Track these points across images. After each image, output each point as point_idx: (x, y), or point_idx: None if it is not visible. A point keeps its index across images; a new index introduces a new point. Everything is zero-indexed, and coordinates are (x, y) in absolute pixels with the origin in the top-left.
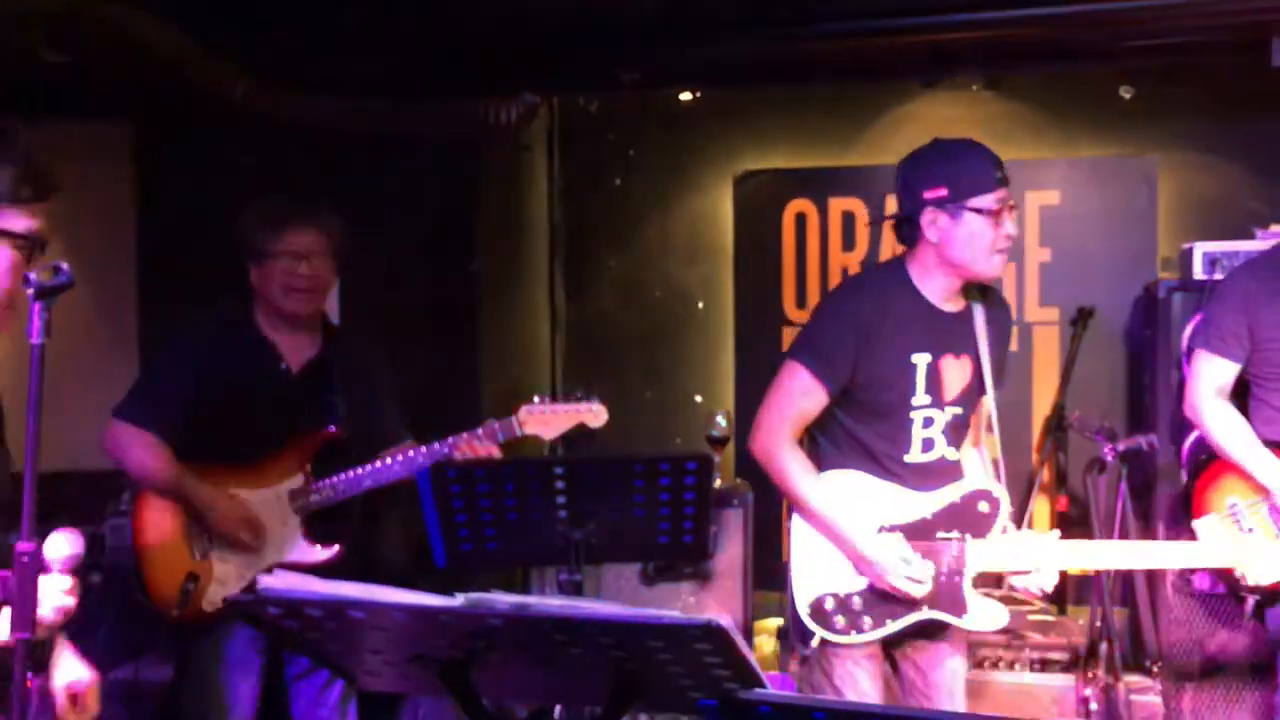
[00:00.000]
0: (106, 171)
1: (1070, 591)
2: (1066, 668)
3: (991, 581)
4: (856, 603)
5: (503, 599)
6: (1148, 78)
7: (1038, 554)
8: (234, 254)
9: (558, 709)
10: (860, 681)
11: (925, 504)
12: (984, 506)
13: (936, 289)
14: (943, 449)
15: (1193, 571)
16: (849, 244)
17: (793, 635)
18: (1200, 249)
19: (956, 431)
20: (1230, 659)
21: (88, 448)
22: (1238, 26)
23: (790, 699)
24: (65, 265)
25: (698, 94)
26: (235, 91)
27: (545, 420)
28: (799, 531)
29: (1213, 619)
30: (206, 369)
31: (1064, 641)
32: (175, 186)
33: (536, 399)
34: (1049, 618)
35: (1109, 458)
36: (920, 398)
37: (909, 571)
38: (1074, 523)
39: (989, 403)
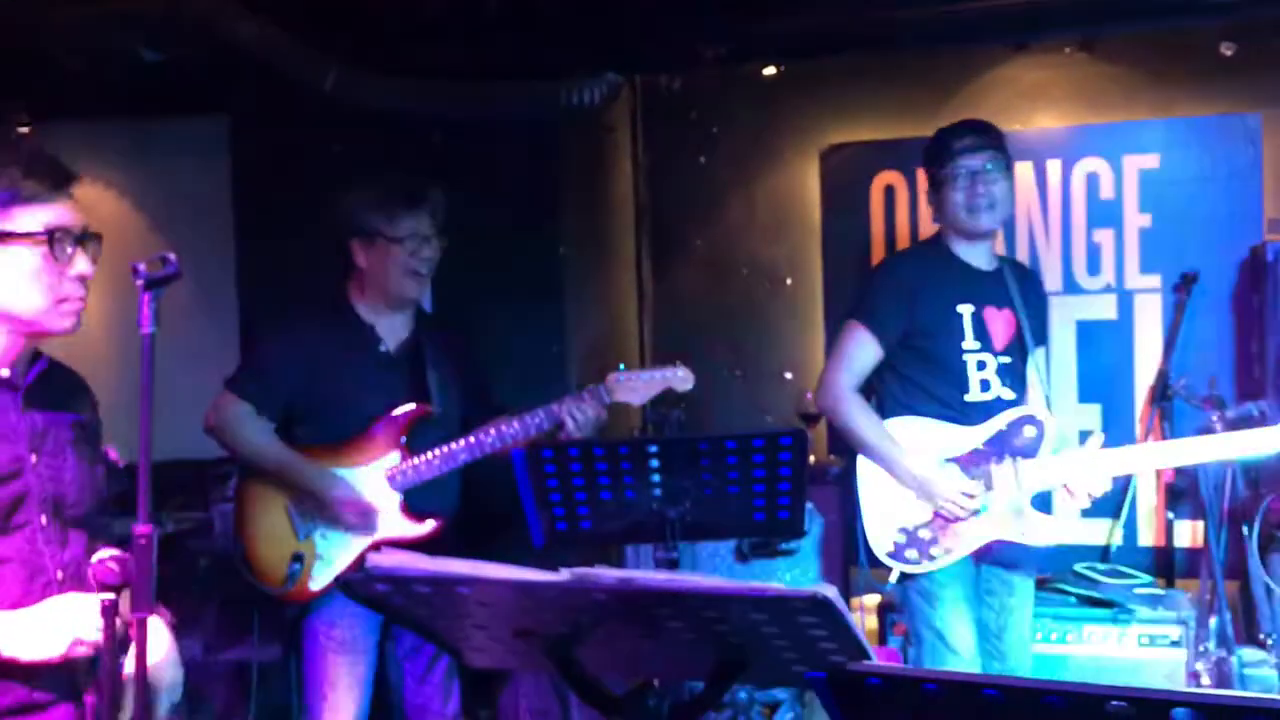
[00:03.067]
0: (203, 165)
1: (1179, 565)
2: (1176, 642)
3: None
4: (924, 534)
5: (607, 573)
6: (1250, 31)
7: (1084, 464)
8: (333, 236)
9: (657, 683)
10: (965, 619)
11: (977, 435)
12: (1030, 430)
13: (965, 250)
14: (998, 389)
15: None
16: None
17: (868, 574)
18: None
19: (1014, 377)
20: None
21: (193, 436)
22: None
23: (901, 671)
24: (173, 256)
25: (781, 68)
26: (324, 81)
27: (633, 387)
28: (865, 475)
29: None
30: (311, 351)
31: (1174, 615)
32: (269, 176)
33: (623, 366)
34: (1158, 591)
35: (1217, 426)
36: (970, 343)
37: (962, 487)
38: (1182, 493)
39: (1036, 361)
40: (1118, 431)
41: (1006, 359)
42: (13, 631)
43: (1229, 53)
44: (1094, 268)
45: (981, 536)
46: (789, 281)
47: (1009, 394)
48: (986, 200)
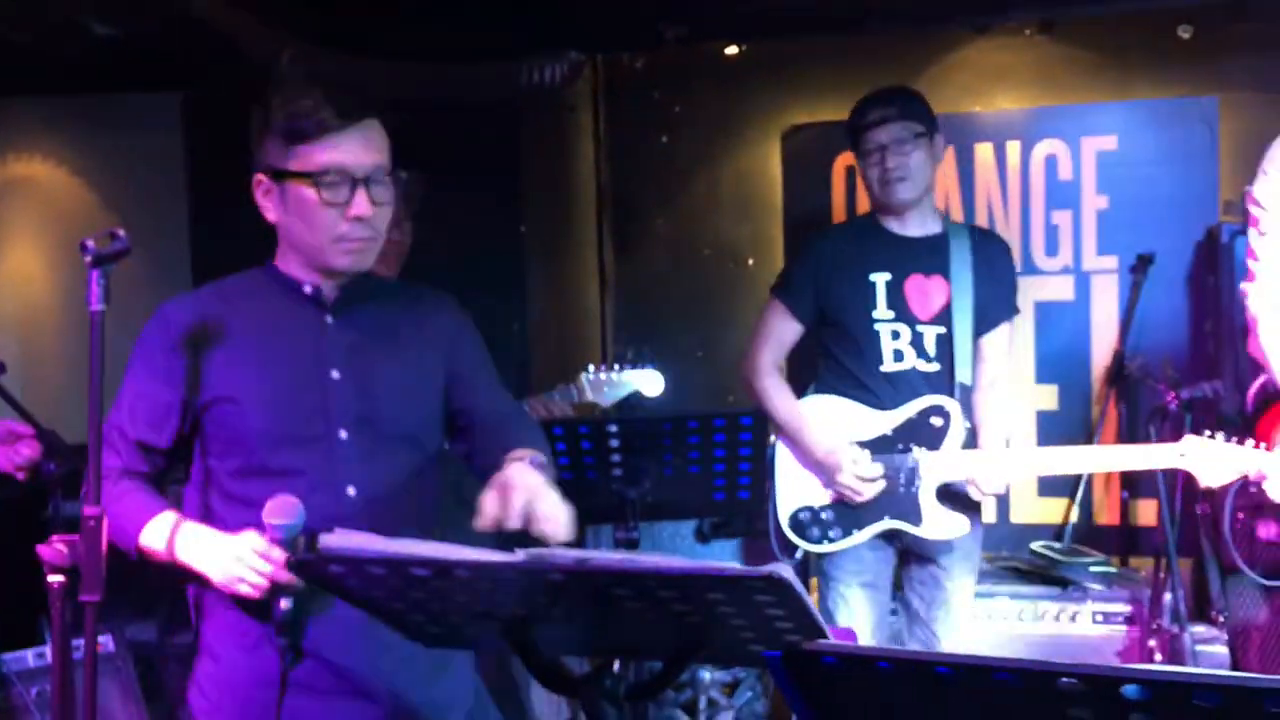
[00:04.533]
0: (158, 142)
1: (1135, 543)
2: (1130, 619)
3: None
4: (825, 515)
5: (563, 553)
6: (1207, 15)
7: (984, 461)
8: None
9: (617, 664)
10: (851, 603)
11: (886, 421)
12: (937, 420)
13: (894, 222)
14: (914, 361)
15: (1256, 520)
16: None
17: (776, 548)
18: None
19: (940, 348)
20: None
21: None
22: None
23: (855, 649)
24: (122, 232)
25: (744, 48)
26: (281, 58)
27: (602, 388)
28: (780, 453)
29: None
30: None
31: (1127, 593)
32: (224, 155)
33: (592, 368)
34: (1111, 569)
35: (1172, 406)
36: (883, 312)
37: (857, 470)
38: (1136, 474)
39: (992, 337)
40: (1074, 412)
41: (939, 329)
42: (198, 545)
43: (1186, 36)
44: (1052, 249)
45: (878, 524)
46: (751, 262)
47: (927, 366)
48: (898, 173)
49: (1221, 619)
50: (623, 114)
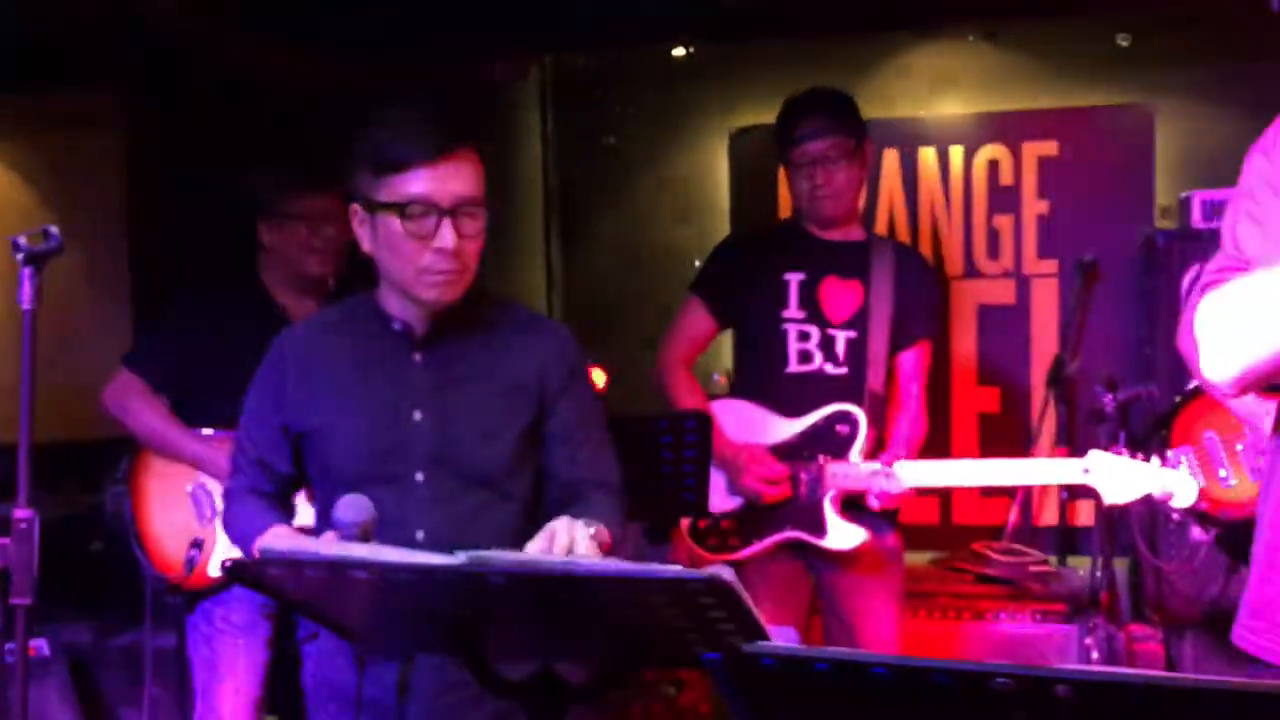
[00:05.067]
0: (97, 138)
1: (1071, 543)
2: (1068, 617)
3: None
4: (727, 522)
5: (504, 556)
6: (1145, 25)
7: (888, 475)
8: (237, 214)
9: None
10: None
11: (791, 427)
12: (843, 428)
13: (818, 227)
14: (822, 363)
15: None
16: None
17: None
18: (1198, 197)
19: (852, 353)
20: (1231, 604)
21: (83, 417)
22: None
23: (794, 651)
24: (55, 230)
25: (691, 50)
26: (221, 55)
27: None
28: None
29: (1212, 565)
30: (216, 328)
31: (1064, 591)
32: (164, 150)
33: None
34: (1049, 568)
35: (1109, 408)
36: (794, 311)
37: (766, 475)
38: None
39: (914, 355)
40: (1015, 414)
41: (849, 333)
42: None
43: (1125, 45)
44: (994, 252)
45: (779, 534)
46: (697, 263)
47: (835, 369)
48: (828, 189)
49: (1156, 617)
50: (570, 114)
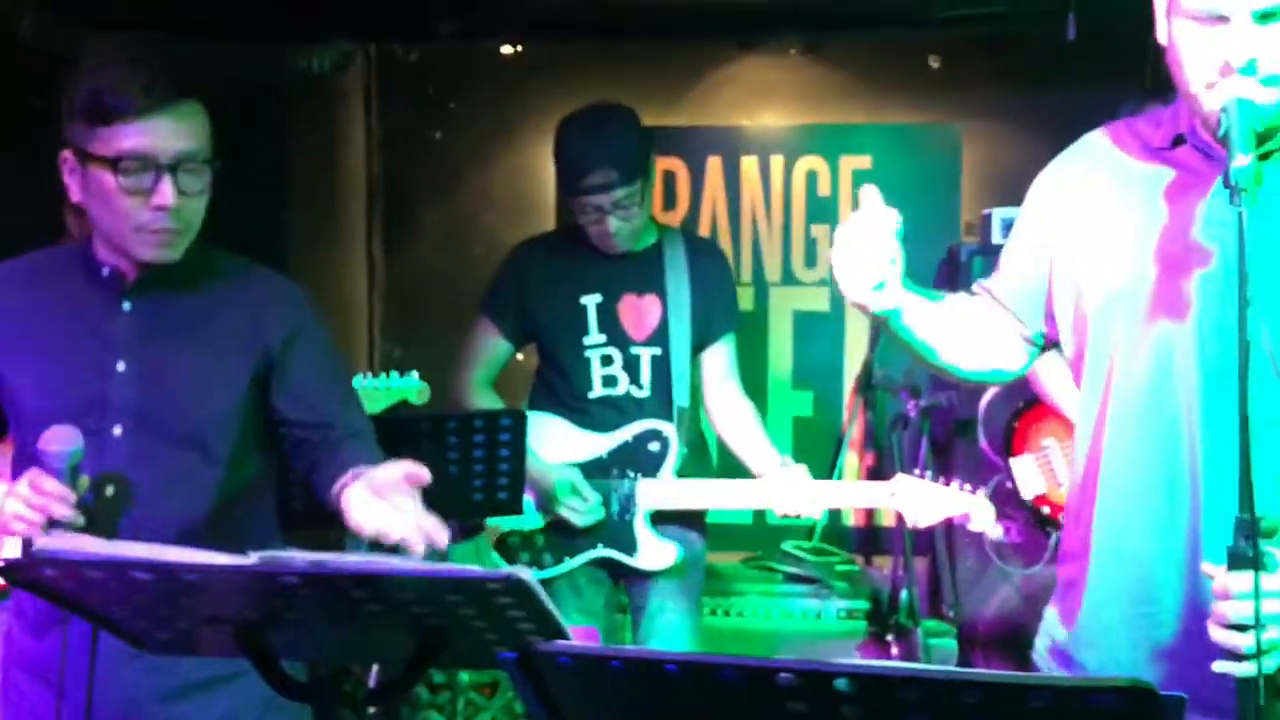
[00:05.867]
0: None
1: (876, 543)
2: (869, 616)
3: None
4: (539, 540)
5: (298, 556)
6: (955, 48)
7: (692, 493)
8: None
9: (356, 669)
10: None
11: (602, 444)
12: (654, 445)
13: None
14: (627, 386)
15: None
16: (670, 203)
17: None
18: (999, 214)
19: (656, 371)
20: (1023, 602)
21: None
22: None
23: (588, 649)
24: None
25: (519, 49)
26: (24, 26)
27: (369, 396)
28: None
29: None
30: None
31: (868, 590)
32: (11, 120)
33: (360, 376)
34: (855, 568)
35: (912, 413)
36: (594, 337)
37: (570, 499)
38: (881, 476)
39: (711, 354)
40: (828, 418)
41: (652, 350)
42: None
43: (936, 66)
44: (811, 261)
45: (591, 552)
46: None
47: (640, 391)
48: (619, 234)
49: (951, 614)
50: (396, 107)
